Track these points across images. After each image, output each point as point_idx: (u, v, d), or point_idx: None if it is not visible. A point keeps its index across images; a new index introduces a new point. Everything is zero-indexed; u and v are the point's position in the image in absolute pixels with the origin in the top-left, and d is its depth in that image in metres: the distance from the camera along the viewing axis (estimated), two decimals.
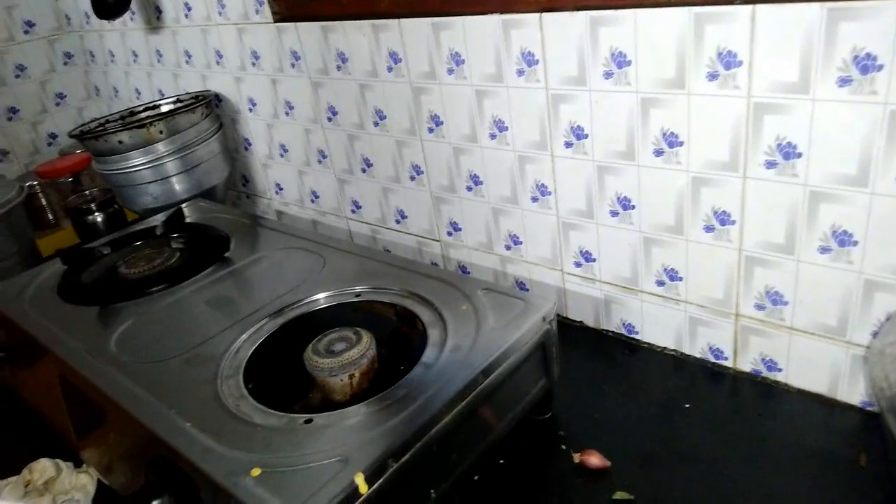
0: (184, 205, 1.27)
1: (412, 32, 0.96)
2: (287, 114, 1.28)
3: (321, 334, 0.78)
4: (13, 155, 1.72)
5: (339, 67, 1.11)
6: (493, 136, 0.96)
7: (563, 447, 0.79)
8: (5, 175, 1.65)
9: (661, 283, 0.88)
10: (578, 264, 0.96)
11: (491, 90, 0.93)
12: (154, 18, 1.45)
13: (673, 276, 0.86)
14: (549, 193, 0.94)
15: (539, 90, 0.87)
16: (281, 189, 1.44)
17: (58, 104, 1.78)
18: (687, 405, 0.83)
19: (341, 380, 0.74)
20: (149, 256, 1.06)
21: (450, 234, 1.13)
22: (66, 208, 1.55)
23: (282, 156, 1.37)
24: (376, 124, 1.12)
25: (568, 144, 0.88)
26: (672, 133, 0.77)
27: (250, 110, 1.37)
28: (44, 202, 1.64)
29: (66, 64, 1.76)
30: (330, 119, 1.20)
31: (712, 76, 0.71)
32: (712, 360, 0.88)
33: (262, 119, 1.35)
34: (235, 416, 0.69)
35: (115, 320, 0.90)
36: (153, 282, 0.99)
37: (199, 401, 0.71)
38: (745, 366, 0.85)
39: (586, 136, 0.85)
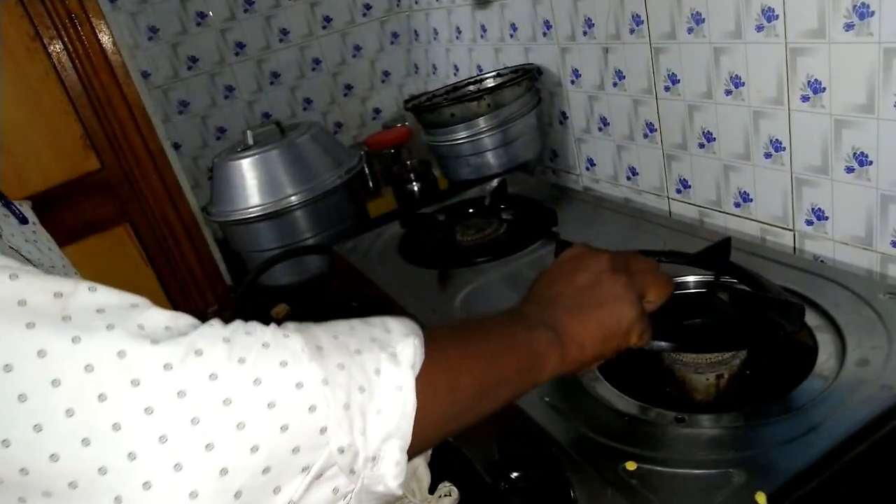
0: (504, 177, 1.28)
1: None
2: (616, 84, 1.21)
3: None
4: (346, 126, 1.92)
5: (690, 29, 1.00)
6: None
7: None
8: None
9: None
10: None
11: None
12: None
13: None
14: None
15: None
16: (593, 164, 1.38)
17: (383, 81, 1.94)
18: None
19: (707, 379, 0.65)
20: (479, 226, 1.08)
21: (809, 222, 0.95)
22: (389, 176, 1.69)
23: (600, 129, 1.31)
24: (729, 92, 0.99)
25: None
26: None
27: (572, 82, 1.33)
28: (367, 170, 1.81)
29: (392, 43, 1.91)
30: (668, 88, 1.09)
31: None
32: None
33: (585, 91, 1.30)
34: (596, 399, 0.64)
35: (456, 284, 0.92)
36: (486, 251, 0.99)
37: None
38: None
39: None
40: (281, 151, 1.34)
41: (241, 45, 1.71)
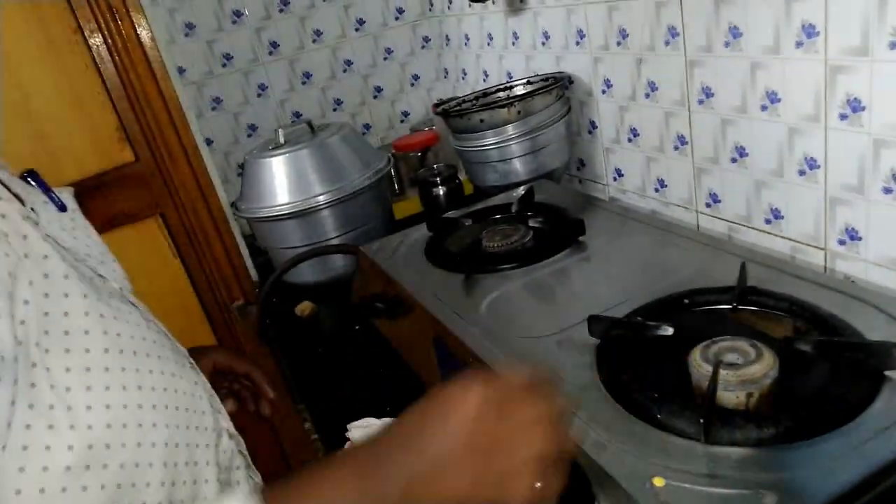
0: (531, 184, 1.28)
1: None
2: (648, 95, 1.20)
3: (709, 340, 0.69)
4: (374, 128, 1.93)
5: (727, 43, 0.99)
6: None
7: None
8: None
9: None
10: None
11: None
12: (518, 1, 1.49)
13: None
14: None
15: None
16: (621, 175, 1.38)
17: (412, 84, 1.95)
18: None
19: (737, 396, 0.64)
20: (505, 232, 1.08)
21: (842, 242, 0.94)
22: (415, 179, 1.69)
23: (630, 140, 1.30)
24: (765, 108, 0.98)
25: None
26: None
27: (603, 92, 1.33)
28: (392, 172, 1.82)
29: (423, 47, 1.92)
30: (702, 101, 1.09)
31: None
32: None
33: (617, 101, 1.30)
34: (624, 411, 0.64)
35: (481, 289, 0.92)
36: (512, 258, 0.99)
37: (581, 387, 0.68)
38: None
39: None
40: (311, 151, 1.36)
41: (275, 45, 1.73)
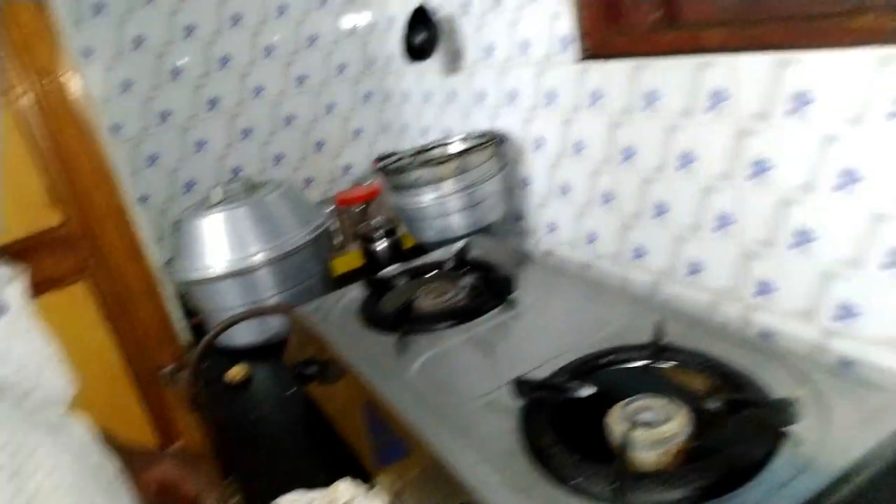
0: (469, 240, 1.30)
1: (746, 70, 0.87)
2: (575, 154, 1.25)
3: (627, 399, 0.71)
4: (316, 182, 1.93)
5: (645, 107, 1.05)
6: (838, 188, 0.81)
7: None
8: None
9: None
10: None
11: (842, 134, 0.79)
12: (454, 62, 1.54)
13: None
14: None
15: None
16: (554, 229, 1.41)
17: (354, 138, 1.97)
18: None
19: (651, 456, 0.66)
20: (439, 290, 1.09)
21: (758, 294, 0.98)
22: (356, 234, 1.70)
23: (561, 195, 1.34)
24: (680, 168, 1.03)
25: None
26: None
27: (535, 150, 1.37)
28: (335, 226, 1.82)
29: (364, 102, 1.95)
30: (624, 160, 1.13)
31: None
32: None
33: (547, 158, 1.34)
34: (542, 474, 0.64)
35: (413, 350, 0.92)
36: (445, 317, 1.00)
37: (506, 452, 0.68)
38: None
39: None
40: (248, 209, 1.35)
41: (214, 101, 1.73)
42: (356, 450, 0.91)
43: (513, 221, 1.55)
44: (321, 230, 1.41)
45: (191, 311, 1.50)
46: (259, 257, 1.32)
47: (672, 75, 0.97)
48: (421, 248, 1.47)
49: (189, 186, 1.75)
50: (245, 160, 1.81)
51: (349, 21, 1.86)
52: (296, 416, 1.10)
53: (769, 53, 0.83)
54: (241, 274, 1.32)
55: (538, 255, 1.37)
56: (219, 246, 1.33)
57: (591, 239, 1.30)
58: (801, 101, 0.82)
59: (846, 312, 0.87)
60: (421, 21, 1.47)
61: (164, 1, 1.62)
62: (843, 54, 0.76)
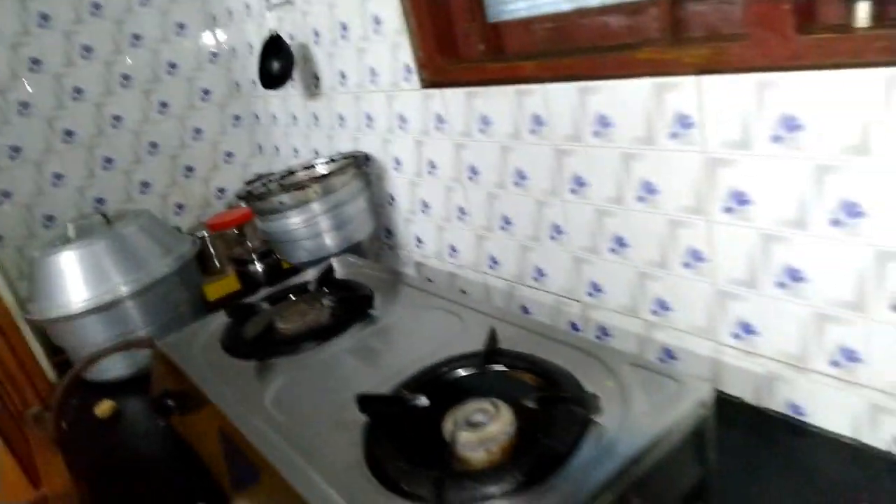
0: (334, 260, 1.34)
1: (557, 97, 0.96)
2: (430, 172, 1.32)
3: (460, 403, 0.78)
4: (188, 207, 1.91)
5: (481, 130, 1.13)
6: (641, 199, 0.92)
7: None
8: (180, 226, 1.84)
9: (835, 364, 0.79)
10: (736, 336, 0.89)
11: (639, 153, 0.90)
12: (313, 87, 1.57)
13: (851, 357, 0.77)
14: (704, 260, 0.88)
15: (693, 153, 0.83)
16: (421, 242, 1.48)
17: (226, 161, 1.96)
18: None
19: (479, 455, 0.73)
20: (302, 311, 1.12)
21: (590, 294, 1.09)
22: (230, 258, 1.70)
23: (423, 211, 1.41)
24: (516, 184, 1.12)
25: (727, 210, 0.82)
26: (852, 203, 0.69)
27: (395, 169, 1.43)
28: (212, 251, 1.81)
29: (234, 126, 1.95)
30: (471, 178, 1.22)
31: None
32: None
33: (407, 177, 1.41)
34: (377, 486, 0.70)
35: (271, 376, 0.95)
36: (305, 338, 1.04)
37: (349, 467, 0.73)
38: None
39: (748, 203, 0.79)
40: (106, 243, 1.33)
41: (69, 133, 1.68)
42: (216, 477, 0.93)
43: (385, 237, 1.61)
44: (185, 259, 1.41)
45: (57, 349, 1.45)
46: (122, 291, 1.30)
47: (500, 101, 1.06)
48: (297, 270, 1.50)
49: (50, 220, 1.69)
50: (108, 190, 1.76)
51: (208, 47, 1.85)
52: (163, 449, 1.10)
53: (574, 83, 0.93)
54: (104, 309, 1.30)
55: (403, 270, 1.43)
56: (77, 282, 1.29)
57: (453, 251, 1.38)
58: (603, 123, 0.92)
59: (662, 307, 0.98)
60: (275, 49, 1.50)
61: (5, 35, 1.55)
62: (632, 83, 0.86)
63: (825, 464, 0.81)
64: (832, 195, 0.71)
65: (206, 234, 1.77)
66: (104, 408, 1.21)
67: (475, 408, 0.77)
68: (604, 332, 1.10)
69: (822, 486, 0.77)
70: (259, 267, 1.64)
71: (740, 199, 0.80)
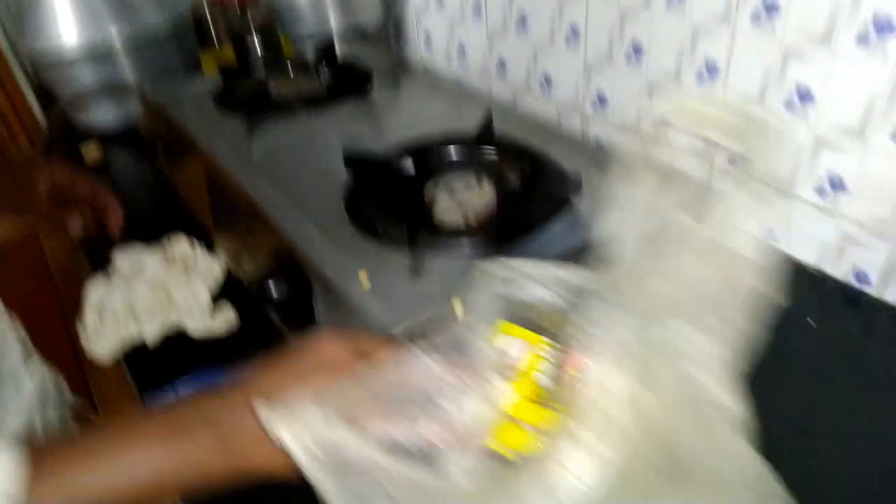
0: (337, 40, 1.29)
1: None
2: None
3: (445, 175, 0.78)
4: None
5: None
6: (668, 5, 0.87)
7: None
8: None
9: (820, 192, 0.79)
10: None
11: None
12: None
13: (838, 185, 0.77)
14: (718, 72, 0.85)
15: None
16: (429, 39, 1.41)
17: None
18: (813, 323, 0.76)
19: (455, 216, 0.74)
20: (297, 81, 1.09)
21: (594, 106, 1.06)
22: (229, 34, 1.62)
23: (437, 5, 1.33)
24: None
25: (754, 18, 0.78)
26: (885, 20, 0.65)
27: None
28: (210, 24, 1.72)
29: None
30: None
31: None
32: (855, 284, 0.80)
33: None
34: (355, 231, 0.72)
35: (261, 133, 0.95)
36: (297, 103, 1.02)
37: (332, 216, 0.74)
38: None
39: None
40: None
41: None
42: (199, 217, 0.96)
43: (393, 28, 1.53)
44: (182, 16, 1.34)
45: (47, 100, 1.42)
46: (114, 36, 1.25)
47: None
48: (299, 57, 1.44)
49: None
50: None
51: None
52: (151, 193, 1.12)
53: None
54: (97, 55, 1.25)
55: (409, 63, 1.38)
56: (69, 21, 1.24)
57: (461, 52, 1.32)
58: None
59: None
60: None
61: None
62: None
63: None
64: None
65: (208, 6, 1.68)
66: (91, 149, 1.21)
67: (460, 178, 0.78)
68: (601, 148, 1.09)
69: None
70: (257, 40, 1.57)
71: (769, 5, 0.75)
